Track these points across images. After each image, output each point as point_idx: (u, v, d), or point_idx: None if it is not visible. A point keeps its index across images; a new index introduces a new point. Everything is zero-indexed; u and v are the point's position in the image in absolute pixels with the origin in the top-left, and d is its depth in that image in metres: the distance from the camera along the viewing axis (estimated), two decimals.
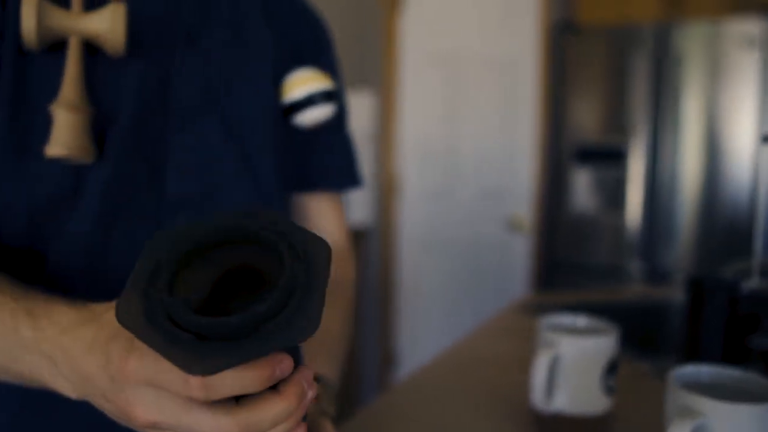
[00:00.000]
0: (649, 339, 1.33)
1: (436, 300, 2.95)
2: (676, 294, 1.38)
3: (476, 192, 3.01)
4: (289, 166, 0.76)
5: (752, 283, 0.86)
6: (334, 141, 0.82)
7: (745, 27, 2.75)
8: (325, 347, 0.69)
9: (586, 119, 3.11)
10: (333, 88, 0.76)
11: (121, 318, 0.36)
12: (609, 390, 0.76)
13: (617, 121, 3.03)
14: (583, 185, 3.09)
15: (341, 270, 0.80)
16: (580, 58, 3.10)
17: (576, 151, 3.10)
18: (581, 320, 0.82)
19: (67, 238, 0.60)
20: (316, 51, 0.80)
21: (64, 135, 0.58)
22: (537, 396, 0.75)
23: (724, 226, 2.81)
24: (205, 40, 0.68)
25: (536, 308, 1.37)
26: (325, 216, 0.82)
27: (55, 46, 0.60)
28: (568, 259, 3.16)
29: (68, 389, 0.46)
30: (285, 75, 0.75)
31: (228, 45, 0.70)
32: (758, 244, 0.83)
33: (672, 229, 2.93)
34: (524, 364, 0.90)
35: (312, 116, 0.75)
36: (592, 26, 3.15)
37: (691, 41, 2.86)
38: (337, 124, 0.82)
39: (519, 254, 3.10)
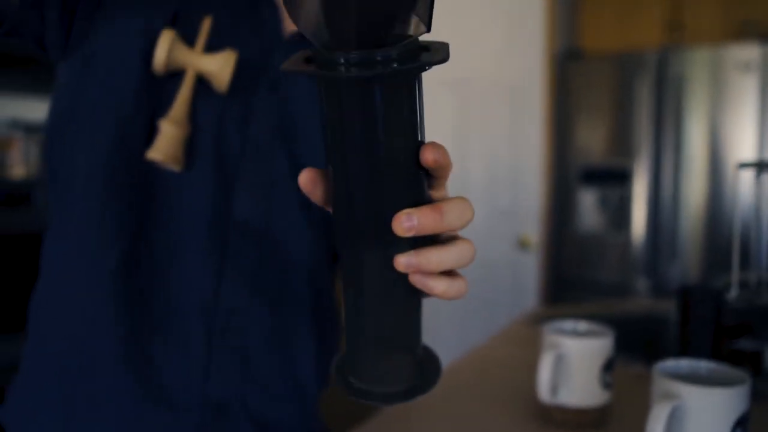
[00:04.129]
0: (650, 347, 1.44)
1: (447, 316, 3.05)
2: (674, 306, 1.48)
3: (487, 212, 3.12)
4: None
5: (732, 294, 0.97)
6: None
7: (743, 52, 2.87)
8: None
9: (592, 141, 3.23)
10: None
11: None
12: (606, 385, 0.87)
13: (621, 142, 3.14)
14: (589, 205, 3.20)
15: None
16: (585, 82, 3.23)
17: (582, 172, 3.22)
18: (581, 325, 0.93)
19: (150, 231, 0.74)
20: None
21: (165, 144, 0.71)
22: (543, 390, 0.86)
23: (726, 243, 2.91)
24: (285, 88, 0.80)
25: (544, 319, 1.47)
26: None
27: (173, 74, 0.73)
28: (576, 276, 3.26)
29: None
30: None
31: (304, 94, 0.82)
32: (736, 261, 0.94)
33: (675, 247, 3.03)
34: (533, 366, 1.01)
35: None
36: (595, 52, 3.28)
37: (692, 66, 2.98)
38: None
39: (528, 272, 3.20)
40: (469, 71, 3.12)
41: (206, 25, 0.74)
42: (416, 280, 0.42)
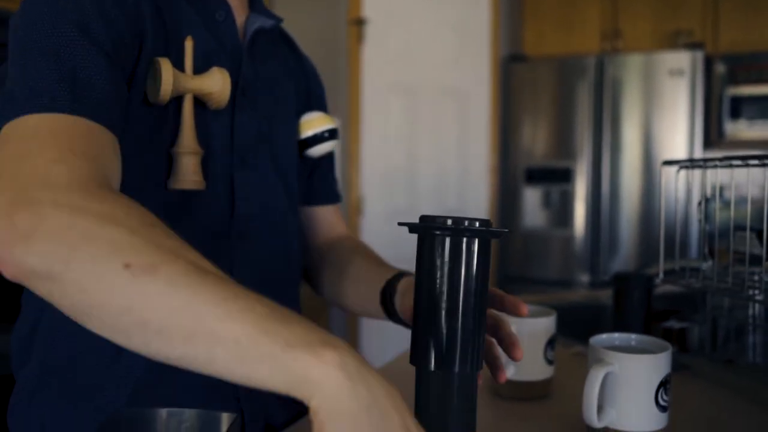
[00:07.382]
0: (588, 330, 1.55)
1: None
2: (611, 294, 1.60)
3: (435, 211, 3.22)
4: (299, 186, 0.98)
5: (659, 279, 1.08)
6: (331, 167, 1.07)
7: (675, 59, 3.05)
8: (384, 263, 0.93)
9: (535, 142, 3.37)
10: (336, 126, 0.97)
11: None
12: (549, 361, 0.97)
13: (562, 143, 3.29)
14: (533, 203, 3.34)
15: (357, 241, 1.06)
16: (528, 87, 3.37)
17: (526, 172, 3.36)
18: (529, 307, 1.03)
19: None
20: (318, 96, 1.04)
21: (186, 172, 0.74)
22: None
23: (658, 236, 3.09)
24: (252, 93, 0.86)
25: None
26: (337, 220, 1.07)
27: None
28: (521, 273, 3.39)
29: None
30: (299, 117, 0.96)
31: (267, 96, 0.89)
32: (662, 251, 1.05)
33: (615, 242, 3.19)
34: None
35: (321, 150, 0.96)
36: (538, 58, 3.43)
37: (628, 71, 3.15)
38: (331, 154, 1.05)
39: None
40: (419, 77, 3.22)
41: (190, 45, 0.77)
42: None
